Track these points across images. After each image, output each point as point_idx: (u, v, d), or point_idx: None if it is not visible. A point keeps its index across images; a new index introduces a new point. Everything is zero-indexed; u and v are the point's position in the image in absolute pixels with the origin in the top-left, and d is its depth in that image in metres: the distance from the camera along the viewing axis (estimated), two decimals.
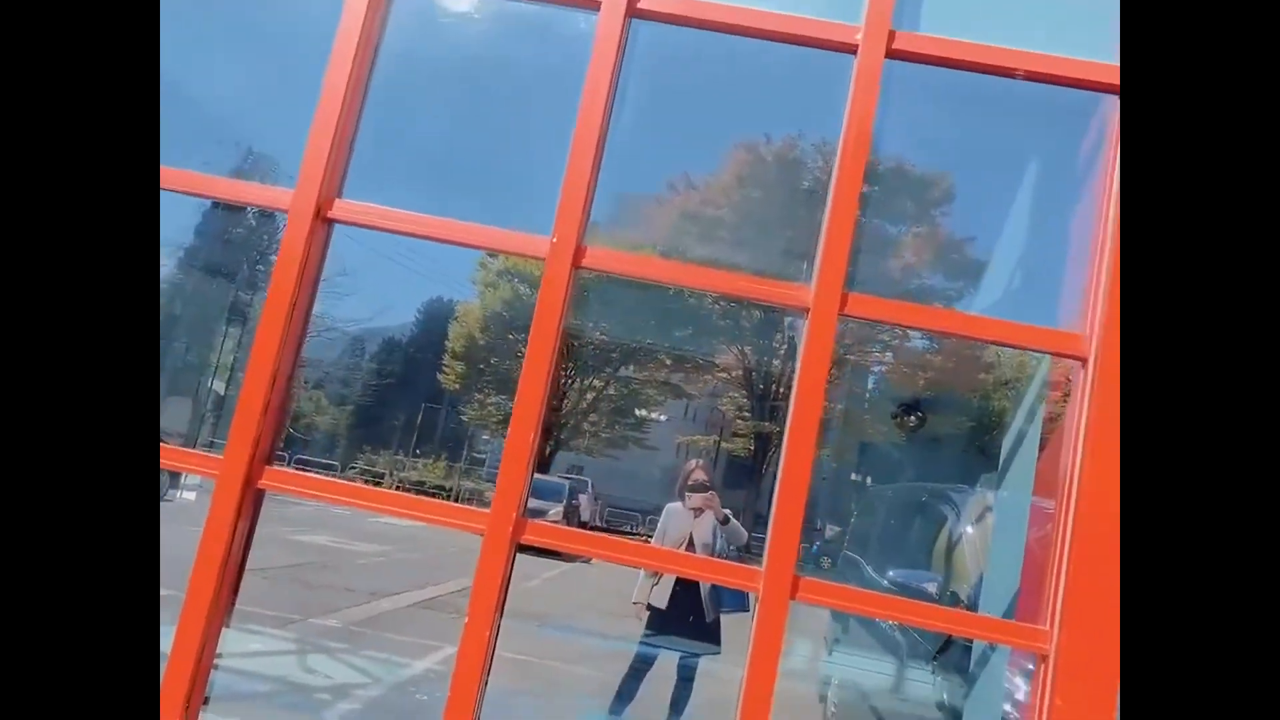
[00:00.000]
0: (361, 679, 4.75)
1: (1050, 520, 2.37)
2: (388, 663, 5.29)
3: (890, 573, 4.56)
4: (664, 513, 4.71)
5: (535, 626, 7.82)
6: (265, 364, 2.22)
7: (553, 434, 21.05)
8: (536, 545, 2.36)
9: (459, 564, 9.61)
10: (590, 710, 4.91)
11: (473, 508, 2.42)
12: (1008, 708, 2.85)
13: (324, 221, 2.41)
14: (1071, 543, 2.18)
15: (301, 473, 2.58)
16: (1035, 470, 2.67)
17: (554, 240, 2.37)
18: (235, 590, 2.24)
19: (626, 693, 4.64)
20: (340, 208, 2.38)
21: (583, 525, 17.74)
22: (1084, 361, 2.30)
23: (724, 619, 4.66)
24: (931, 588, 4.17)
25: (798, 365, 2.34)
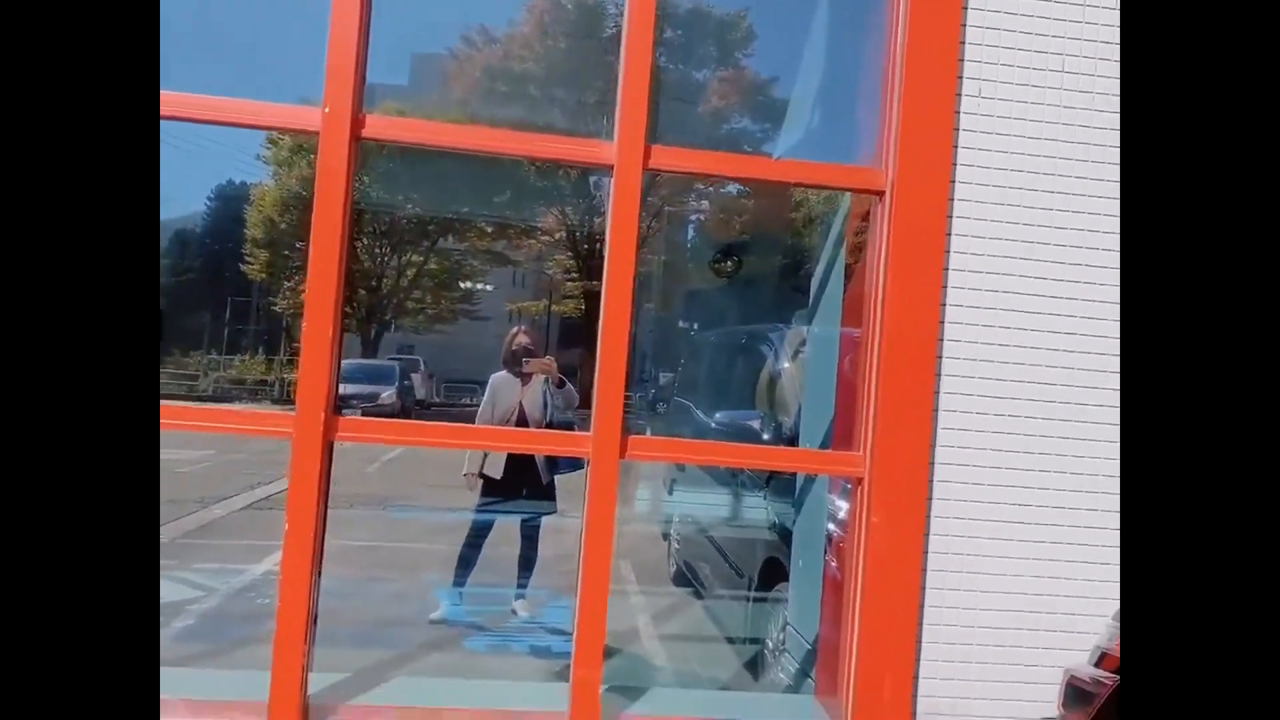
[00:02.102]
0: (193, 593, 4.56)
1: (858, 347, 2.48)
2: (221, 572, 5.10)
3: (717, 415, 4.74)
4: (490, 383, 4.65)
5: (381, 510, 7.73)
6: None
7: (375, 316, 20.27)
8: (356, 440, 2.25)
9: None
10: (444, 584, 4.93)
11: (277, 411, 2.27)
12: (831, 526, 3.05)
13: None
14: (880, 370, 2.29)
15: None
16: (843, 301, 2.77)
17: (326, 111, 2.14)
18: None
19: (467, 560, 4.70)
20: None
21: (419, 404, 17.45)
22: (881, 195, 2.35)
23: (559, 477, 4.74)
24: (756, 424, 4.37)
25: (607, 223, 2.27)
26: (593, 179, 19.98)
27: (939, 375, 2.33)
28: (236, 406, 15.61)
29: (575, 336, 23.95)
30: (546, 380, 4.62)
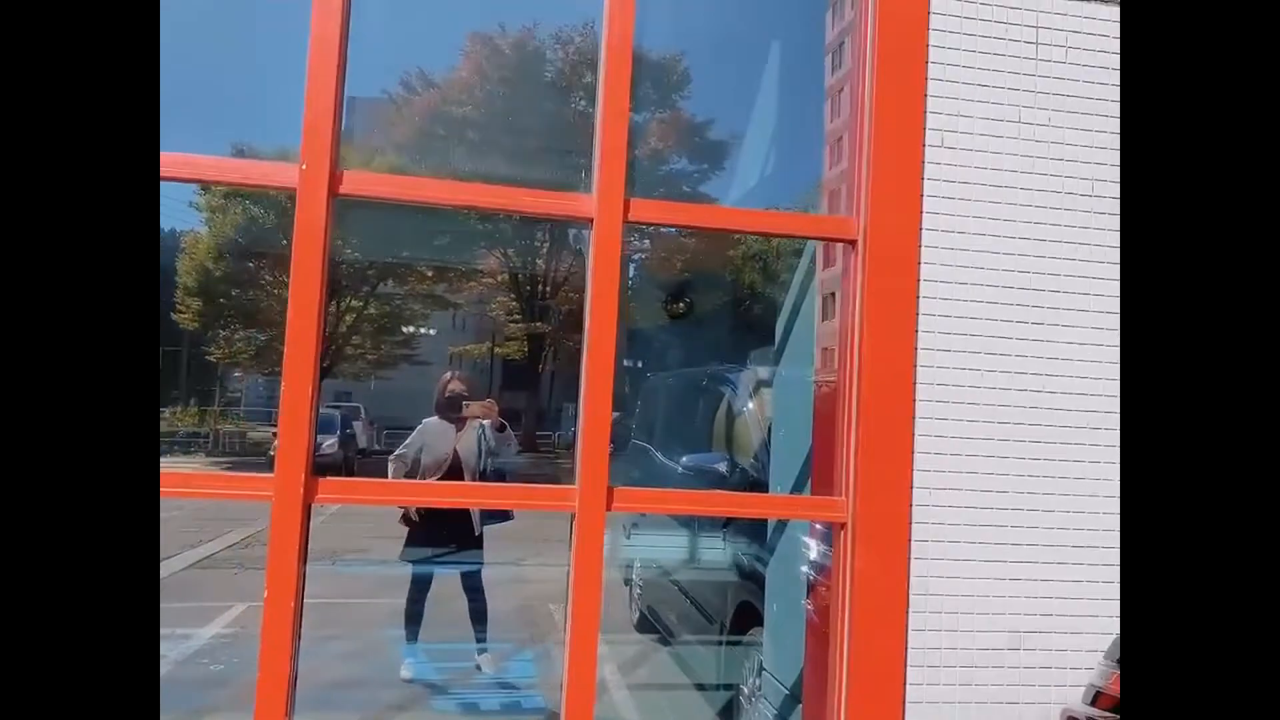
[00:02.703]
0: None
1: (835, 392, 2.52)
2: (170, 637, 4.89)
3: (684, 459, 4.74)
4: (420, 429, 4.57)
5: (330, 565, 7.52)
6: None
7: (323, 366, 19.91)
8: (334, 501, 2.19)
9: (231, 515, 8.97)
10: (398, 640, 4.81)
11: (255, 475, 2.20)
12: (805, 569, 3.07)
13: None
14: (859, 414, 2.33)
15: None
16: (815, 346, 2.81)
17: (303, 167, 2.12)
18: None
19: (415, 616, 4.61)
20: None
21: (360, 453, 17.09)
22: (854, 243, 2.41)
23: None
24: (723, 467, 4.39)
25: (588, 275, 2.27)
26: (543, 227, 20.03)
27: (914, 418, 2.37)
28: (174, 461, 15.07)
29: (518, 379, 23.83)
30: (481, 426, 4.58)
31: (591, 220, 2.24)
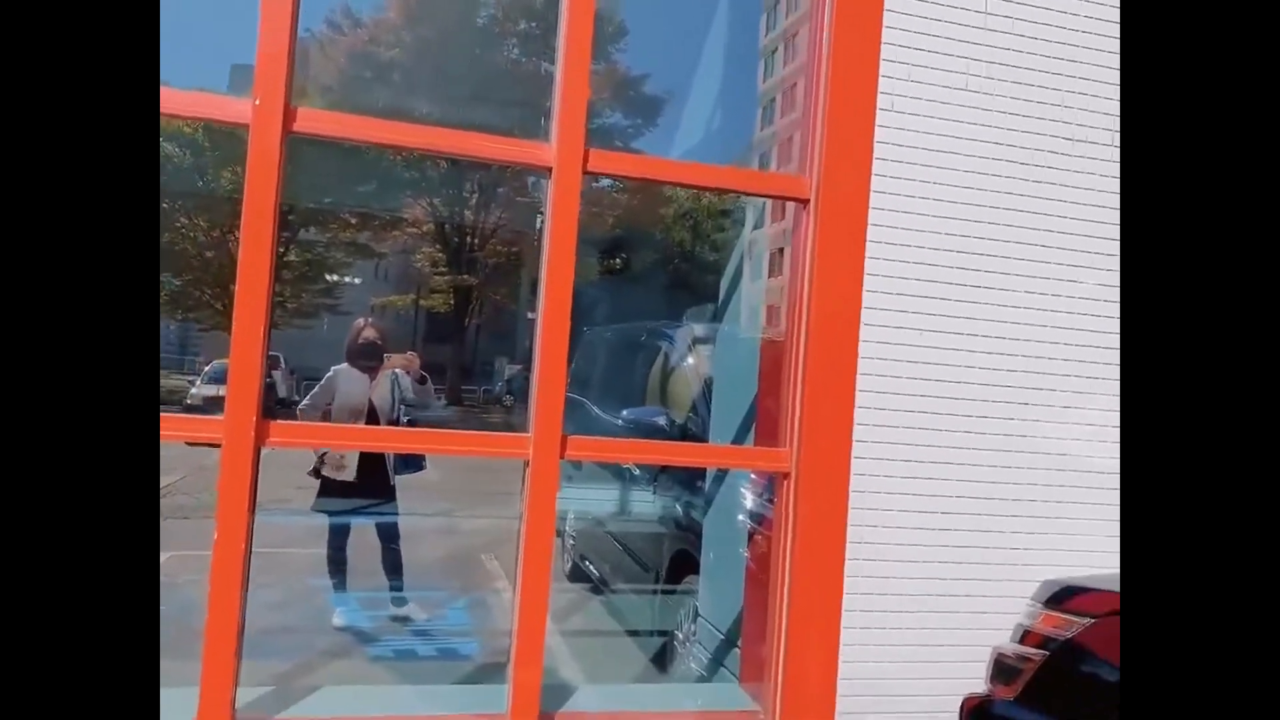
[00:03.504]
0: None
1: (780, 347, 2.59)
2: None
3: (624, 413, 4.80)
4: (330, 376, 4.50)
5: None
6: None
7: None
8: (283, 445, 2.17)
9: (164, 459, 8.68)
10: (327, 589, 4.78)
11: (203, 417, 2.16)
12: (741, 516, 3.16)
13: None
14: (805, 369, 2.40)
15: None
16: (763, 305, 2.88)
17: (256, 102, 2.06)
18: None
19: (338, 563, 4.60)
20: None
21: (280, 403, 16.70)
22: (806, 202, 2.46)
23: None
24: (662, 421, 4.46)
25: (546, 225, 2.28)
26: (471, 177, 19.64)
27: (857, 373, 2.46)
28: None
29: (443, 332, 23.48)
30: (395, 375, 4.55)
31: (550, 169, 2.24)
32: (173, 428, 2.03)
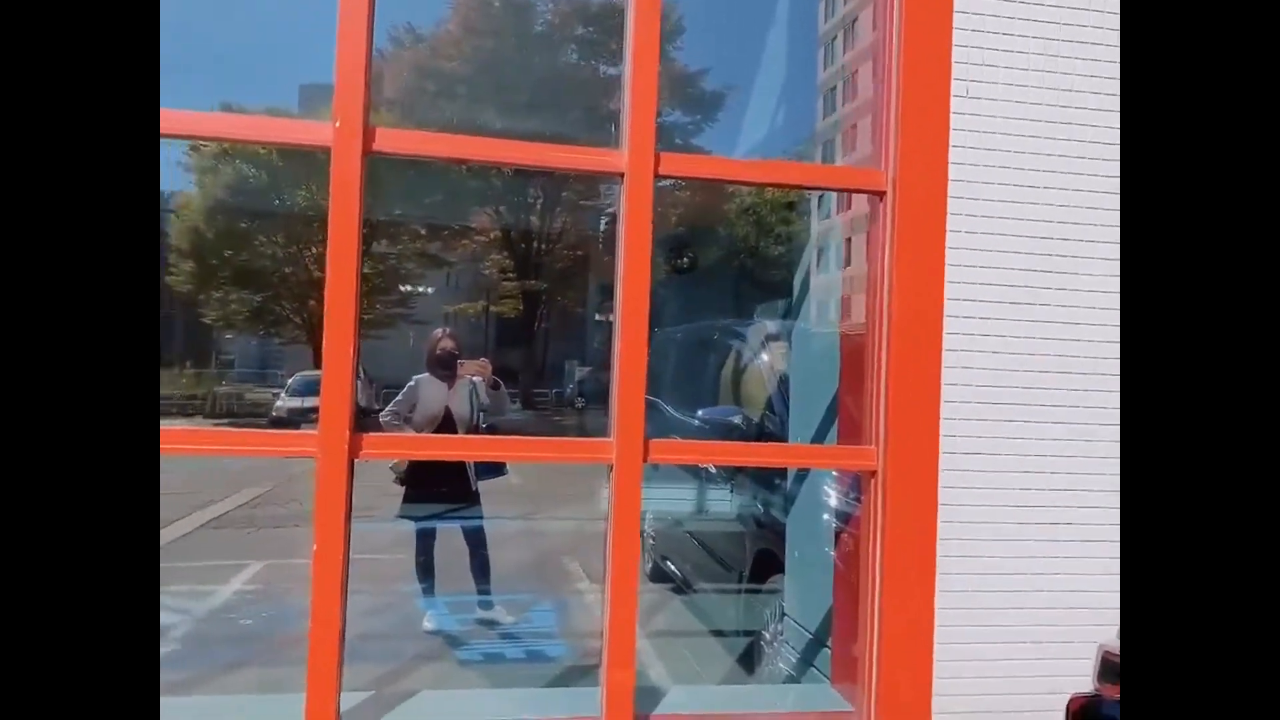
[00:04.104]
0: (170, 617, 4.43)
1: (858, 343, 2.55)
2: (192, 594, 4.96)
3: (700, 413, 4.79)
4: (411, 385, 4.62)
5: None
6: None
7: (322, 326, 19.81)
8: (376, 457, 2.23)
9: (239, 476, 9.02)
10: (417, 594, 4.89)
11: (298, 431, 2.23)
12: (826, 515, 3.13)
13: None
14: (889, 365, 2.36)
15: None
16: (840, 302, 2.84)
17: (337, 125, 2.12)
18: None
19: (426, 567, 4.70)
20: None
21: (362, 412, 17.13)
22: (882, 195, 2.42)
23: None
24: (738, 420, 4.44)
25: (620, 230, 2.29)
26: (535, 183, 19.85)
27: (942, 367, 2.41)
28: (174, 423, 15.09)
29: (513, 336, 23.80)
30: (473, 383, 4.63)
31: (623, 175, 2.25)
32: (269, 443, 2.11)
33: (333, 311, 2.10)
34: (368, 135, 2.13)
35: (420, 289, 21.70)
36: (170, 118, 2.02)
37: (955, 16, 2.44)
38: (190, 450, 2.11)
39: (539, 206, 21.49)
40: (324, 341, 2.11)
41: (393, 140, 2.19)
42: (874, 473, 2.39)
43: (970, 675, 2.42)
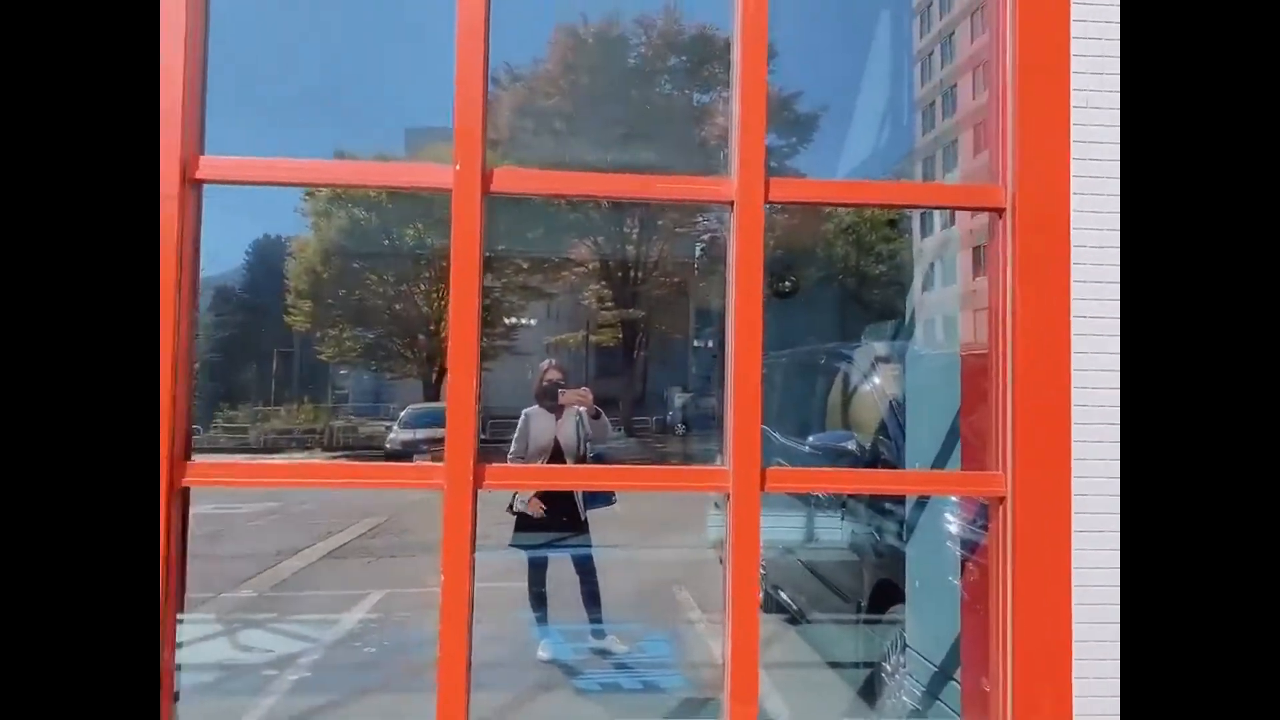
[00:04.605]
0: (300, 644, 4.61)
1: (985, 366, 2.47)
2: (320, 622, 5.15)
3: (811, 439, 4.73)
4: (523, 418, 4.74)
5: None
6: (169, 349, 1.97)
7: (436, 359, 20.49)
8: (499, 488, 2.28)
9: (356, 506, 9.36)
10: (532, 622, 4.95)
11: (426, 463, 2.30)
12: (948, 543, 3.03)
13: (191, 184, 2.14)
14: (1015, 388, 2.28)
15: (224, 460, 2.36)
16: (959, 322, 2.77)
17: (457, 168, 2.20)
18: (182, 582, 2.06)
19: (540, 597, 4.76)
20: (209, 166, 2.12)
21: None
22: (1001, 212, 2.36)
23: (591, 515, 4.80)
24: (851, 445, 4.35)
25: (730, 258, 2.29)
26: (631, 213, 20.11)
27: (1071, 388, 2.31)
28: (293, 457, 15.79)
29: (613, 365, 24.06)
30: (579, 413, 4.70)
31: (732, 203, 2.26)
32: (398, 476, 2.18)
33: (455, 347, 2.17)
34: (486, 177, 2.21)
35: (523, 321, 22.20)
36: (300, 167, 2.13)
37: (1072, 25, 2.36)
38: (326, 484, 2.20)
39: (635, 236, 21.76)
40: (449, 376, 2.18)
41: (510, 180, 2.26)
42: (1002, 499, 2.31)
43: (1113, 712, 2.29)
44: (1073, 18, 2.37)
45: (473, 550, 2.21)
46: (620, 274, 22.82)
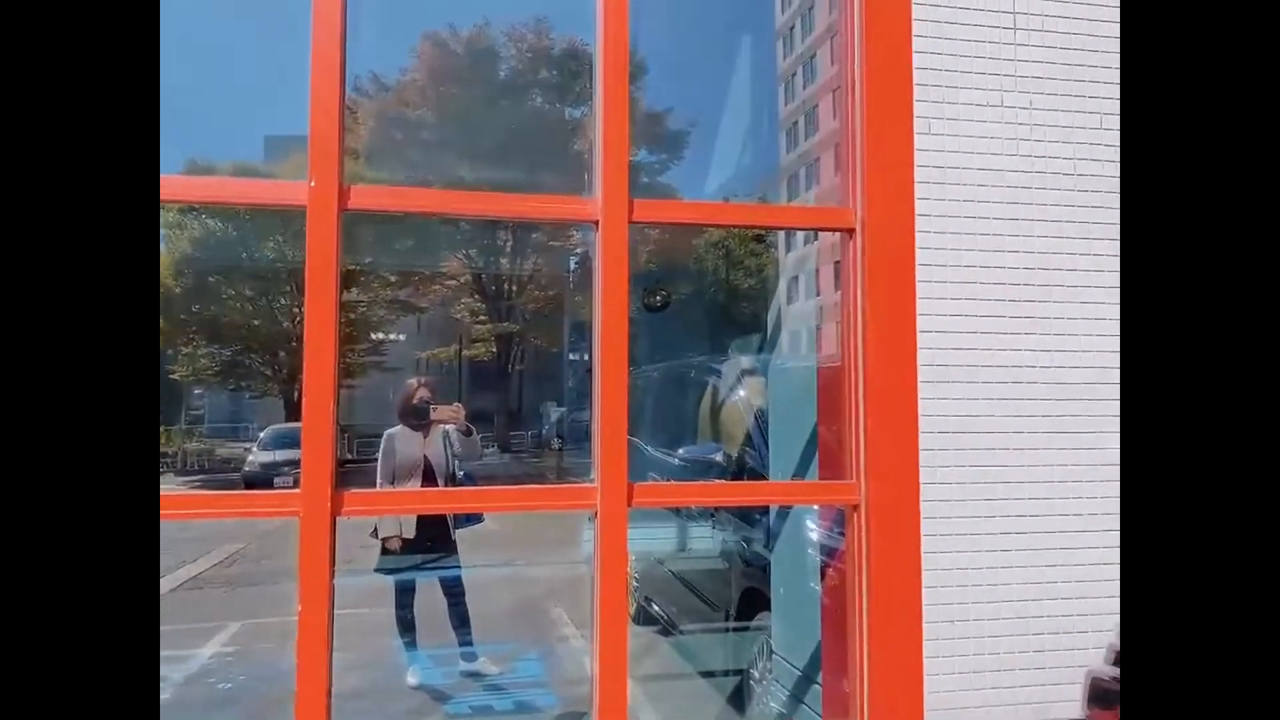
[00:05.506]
0: None
1: (834, 377, 2.58)
2: (168, 659, 4.85)
3: (681, 451, 4.80)
4: (387, 438, 4.61)
5: None
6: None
7: (296, 377, 19.63)
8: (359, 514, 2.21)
9: (214, 533, 8.86)
10: (399, 648, 4.82)
11: (280, 491, 2.21)
12: (810, 550, 3.14)
13: None
14: (865, 399, 2.39)
15: None
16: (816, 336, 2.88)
17: (312, 185, 2.13)
18: None
19: (407, 622, 4.65)
20: None
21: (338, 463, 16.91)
22: (852, 232, 2.47)
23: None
24: (719, 457, 4.45)
25: (595, 276, 2.31)
26: (504, 226, 19.90)
27: (919, 399, 2.44)
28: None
29: (487, 380, 23.74)
30: (445, 431, 4.63)
31: (597, 223, 2.28)
32: (253, 504, 2.08)
33: (311, 369, 2.10)
34: (343, 194, 2.14)
35: (392, 336, 21.62)
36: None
37: (914, 56, 2.51)
38: (174, 516, 2.07)
39: (509, 249, 21.59)
40: (305, 399, 2.10)
41: (368, 197, 2.21)
42: (856, 506, 2.41)
43: (961, 705, 2.42)
44: (915, 49, 2.52)
45: (332, 577, 2.14)
46: (494, 287, 22.58)
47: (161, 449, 20.20)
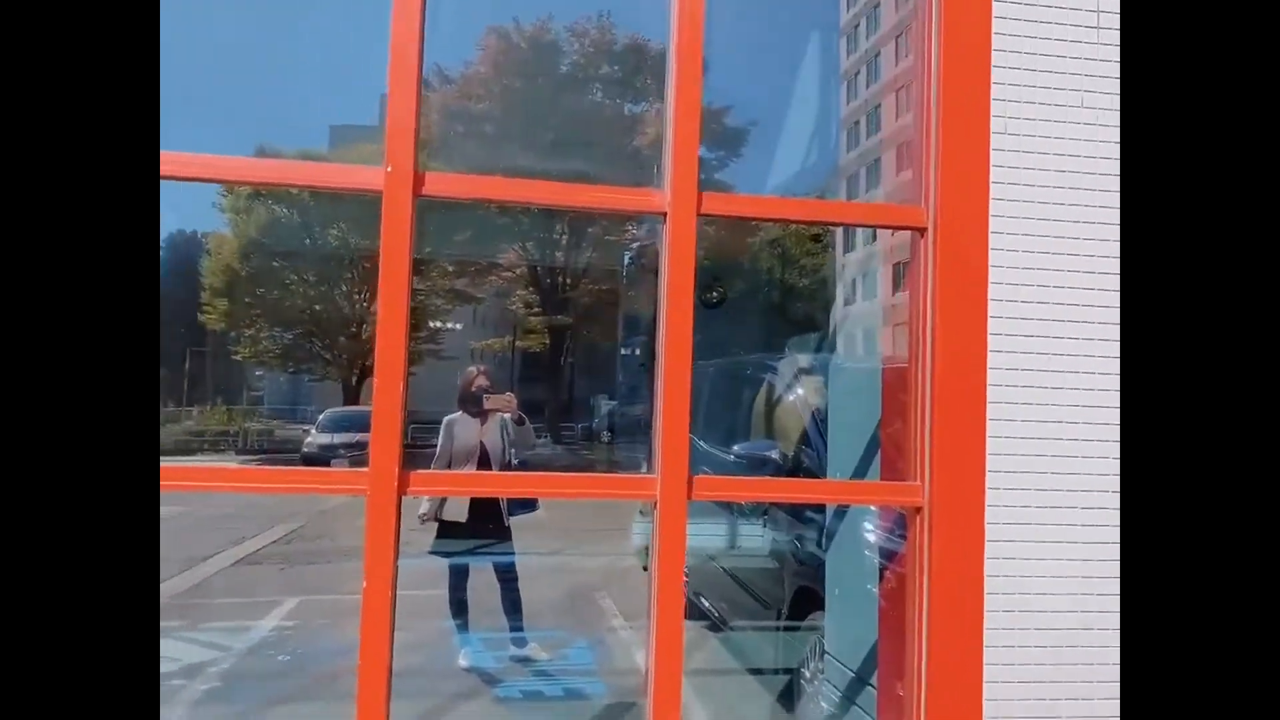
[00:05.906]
0: (210, 653, 4.45)
1: (905, 378, 2.55)
2: (230, 630, 4.99)
3: (736, 448, 4.79)
4: (446, 424, 4.70)
5: None
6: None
7: (356, 362, 20.03)
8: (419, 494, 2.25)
9: (272, 511, 9.10)
10: (452, 630, 4.89)
11: (347, 469, 2.26)
12: (867, 552, 3.11)
13: None
14: (933, 400, 2.36)
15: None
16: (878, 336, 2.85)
17: (388, 170, 2.17)
18: None
19: (461, 604, 4.71)
20: None
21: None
22: (924, 231, 2.43)
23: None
24: (775, 454, 4.43)
25: (663, 268, 2.32)
26: (561, 219, 20.04)
27: (987, 403, 2.40)
28: (206, 460, 15.27)
29: (540, 371, 23.93)
30: (503, 419, 4.69)
31: (665, 215, 2.28)
32: (321, 480, 2.13)
33: (383, 351, 2.14)
34: (418, 180, 2.18)
35: (448, 325, 21.92)
36: (222, 164, 2.08)
37: (993, 54, 2.46)
38: (248, 489, 2.14)
39: (564, 242, 21.71)
40: (375, 380, 2.14)
41: (441, 184, 2.24)
42: (920, 509, 2.38)
43: (1021, 714, 2.38)
44: (994, 47, 2.47)
45: (396, 557, 2.18)
46: (548, 280, 22.74)
47: (224, 428, 20.76)
